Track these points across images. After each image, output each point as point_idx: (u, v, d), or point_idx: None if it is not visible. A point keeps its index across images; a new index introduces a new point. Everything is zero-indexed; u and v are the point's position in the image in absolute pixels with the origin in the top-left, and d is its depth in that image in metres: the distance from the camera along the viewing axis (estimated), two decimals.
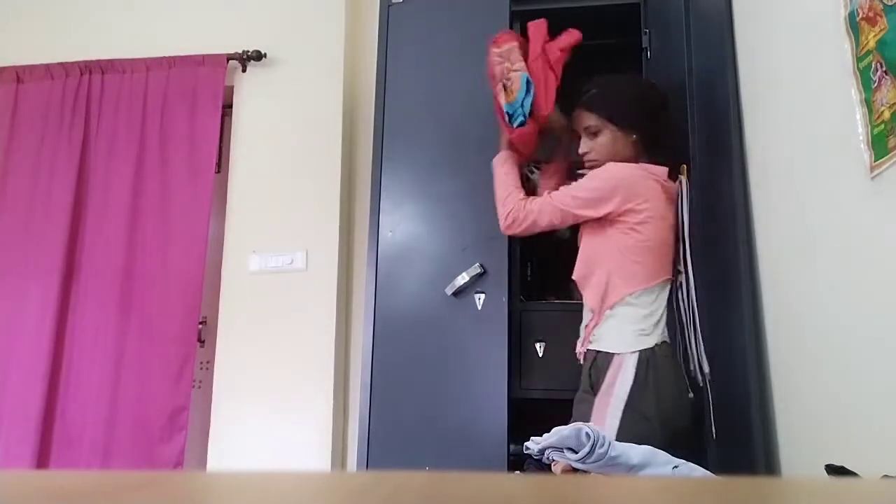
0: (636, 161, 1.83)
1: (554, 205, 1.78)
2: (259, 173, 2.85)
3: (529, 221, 1.79)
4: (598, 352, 1.72)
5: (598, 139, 1.85)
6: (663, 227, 1.78)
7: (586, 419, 1.59)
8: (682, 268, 1.99)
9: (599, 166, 1.83)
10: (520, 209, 1.80)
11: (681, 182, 2.04)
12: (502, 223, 1.85)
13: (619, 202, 1.73)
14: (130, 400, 2.66)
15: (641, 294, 1.73)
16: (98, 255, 2.79)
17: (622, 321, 1.71)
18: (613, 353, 1.68)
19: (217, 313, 2.75)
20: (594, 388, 1.69)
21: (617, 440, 1.36)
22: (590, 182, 1.80)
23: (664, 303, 1.77)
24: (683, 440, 1.64)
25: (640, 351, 1.67)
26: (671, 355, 1.73)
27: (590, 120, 1.85)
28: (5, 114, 2.95)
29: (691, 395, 1.88)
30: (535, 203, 1.81)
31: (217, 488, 0.40)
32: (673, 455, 1.32)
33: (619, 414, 1.60)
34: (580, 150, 1.87)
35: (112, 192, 2.83)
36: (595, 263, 1.77)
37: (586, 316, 1.81)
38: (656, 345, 1.69)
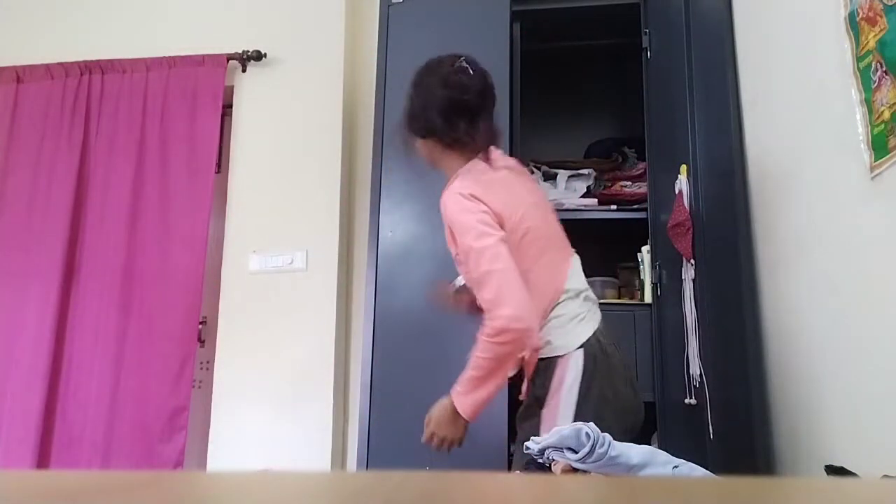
0: (444, 159, 1.63)
1: (489, 271, 1.46)
2: (259, 173, 2.85)
3: (501, 317, 1.43)
4: (540, 359, 1.52)
5: (419, 151, 1.67)
6: (536, 214, 1.59)
7: (536, 434, 1.39)
8: (685, 268, 2.00)
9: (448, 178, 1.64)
10: (490, 333, 1.45)
11: (681, 181, 2.04)
12: (509, 349, 1.47)
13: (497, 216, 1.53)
14: (130, 400, 2.66)
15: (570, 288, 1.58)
16: (98, 255, 2.79)
17: (561, 320, 1.54)
18: (557, 357, 1.50)
19: (217, 313, 2.75)
20: (540, 400, 1.51)
21: None
22: (459, 221, 1.52)
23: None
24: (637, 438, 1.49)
25: (583, 345, 1.50)
26: (615, 343, 1.56)
27: (409, 140, 1.68)
28: (5, 114, 2.95)
29: (694, 400, 1.87)
30: (487, 305, 1.46)
31: (217, 488, 0.40)
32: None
33: (570, 416, 1.44)
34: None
35: (112, 192, 2.83)
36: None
37: None
38: (597, 331, 1.53)
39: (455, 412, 1.54)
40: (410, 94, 1.64)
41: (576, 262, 1.63)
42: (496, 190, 1.55)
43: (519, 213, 1.54)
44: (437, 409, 1.59)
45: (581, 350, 1.49)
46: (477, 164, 1.61)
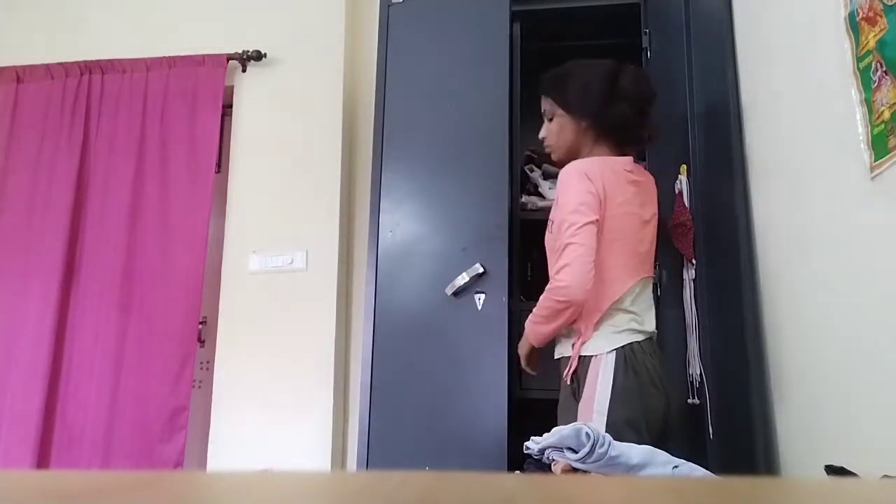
0: (587, 149, 1.77)
1: (570, 243, 1.61)
2: (259, 173, 2.85)
3: (565, 280, 1.60)
4: (581, 356, 1.68)
5: (551, 124, 1.81)
6: (632, 225, 1.73)
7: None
8: (686, 269, 2.00)
9: (553, 152, 1.84)
10: (552, 288, 1.63)
11: (681, 181, 2.04)
12: (560, 307, 1.64)
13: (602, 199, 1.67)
14: (130, 400, 2.65)
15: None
16: (98, 255, 2.79)
17: (606, 325, 1.69)
18: (591, 356, 1.65)
19: (217, 313, 2.75)
20: (576, 394, 1.66)
21: None
22: (565, 196, 1.67)
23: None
24: (672, 443, 1.60)
25: (616, 350, 1.63)
26: (653, 353, 1.69)
27: (544, 104, 1.83)
28: (5, 114, 2.95)
29: (697, 400, 1.88)
30: (559, 267, 1.61)
31: (217, 488, 0.40)
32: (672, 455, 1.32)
33: (603, 420, 1.56)
34: (540, 135, 1.85)
35: (112, 192, 2.83)
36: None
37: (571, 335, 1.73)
38: (638, 342, 1.66)
39: (525, 341, 1.79)
40: (573, 72, 1.79)
41: (640, 284, 1.73)
42: (611, 180, 1.68)
43: (614, 211, 1.67)
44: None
45: (614, 352, 1.64)
46: (609, 158, 1.75)
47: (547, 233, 1.78)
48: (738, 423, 1.77)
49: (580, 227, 1.60)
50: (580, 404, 1.63)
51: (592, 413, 1.58)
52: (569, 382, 1.70)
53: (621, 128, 1.76)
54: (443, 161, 2.32)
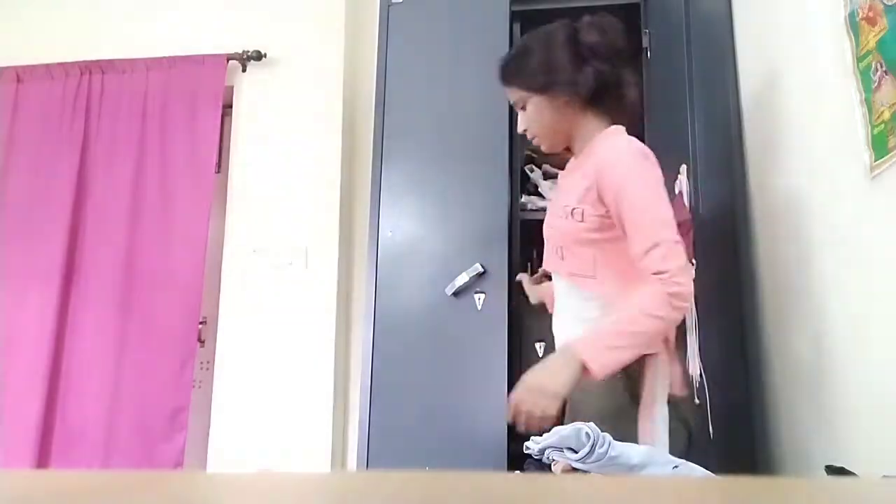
0: (578, 124, 1.52)
1: (677, 241, 1.35)
2: (259, 173, 2.84)
3: (687, 284, 1.34)
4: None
5: (526, 113, 1.54)
6: None
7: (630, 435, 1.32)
8: None
9: (542, 142, 1.56)
10: (674, 294, 1.32)
11: (681, 181, 2.04)
12: (678, 318, 1.38)
13: None
14: (130, 400, 2.66)
15: None
16: (98, 255, 2.79)
17: None
18: (653, 354, 1.43)
19: (217, 313, 2.75)
20: (634, 399, 1.41)
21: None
22: (643, 186, 1.38)
23: None
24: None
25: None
26: None
27: (511, 96, 1.56)
28: (5, 114, 2.95)
29: (698, 400, 1.88)
30: (671, 269, 1.31)
31: (217, 488, 0.40)
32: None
33: (666, 432, 1.40)
34: (518, 129, 1.59)
35: (112, 192, 2.83)
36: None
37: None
38: None
39: (574, 373, 1.31)
40: (528, 48, 1.53)
41: None
42: None
43: None
44: (540, 374, 1.35)
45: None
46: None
47: (562, 219, 1.48)
48: (738, 423, 1.77)
49: (675, 224, 1.37)
50: (641, 419, 1.40)
51: (657, 433, 1.39)
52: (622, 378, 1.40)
53: (601, 90, 1.48)
54: (443, 161, 2.32)
